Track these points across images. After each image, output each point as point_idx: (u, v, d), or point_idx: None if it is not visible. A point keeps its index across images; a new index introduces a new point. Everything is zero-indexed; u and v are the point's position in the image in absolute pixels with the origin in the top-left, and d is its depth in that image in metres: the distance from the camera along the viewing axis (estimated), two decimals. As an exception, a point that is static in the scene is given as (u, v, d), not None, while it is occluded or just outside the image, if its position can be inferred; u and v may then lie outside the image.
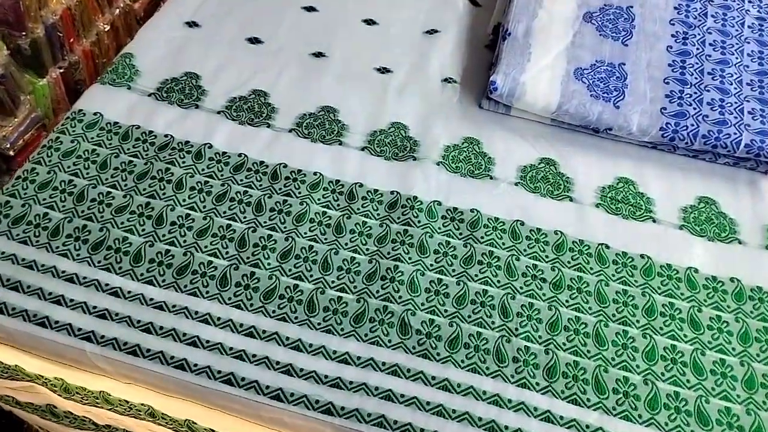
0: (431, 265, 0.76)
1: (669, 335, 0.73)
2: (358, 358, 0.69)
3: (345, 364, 0.68)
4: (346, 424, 0.65)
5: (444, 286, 0.74)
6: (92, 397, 0.74)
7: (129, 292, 0.72)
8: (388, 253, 0.77)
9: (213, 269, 0.74)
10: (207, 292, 0.72)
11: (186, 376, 0.67)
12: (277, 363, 0.68)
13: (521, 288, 0.75)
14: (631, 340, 0.72)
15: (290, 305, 0.72)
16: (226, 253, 0.75)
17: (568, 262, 0.77)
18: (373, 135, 0.88)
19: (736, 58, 0.91)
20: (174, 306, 0.71)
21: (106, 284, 0.72)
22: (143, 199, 0.79)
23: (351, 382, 0.67)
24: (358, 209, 0.80)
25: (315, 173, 0.83)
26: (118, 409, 0.74)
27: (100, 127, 0.86)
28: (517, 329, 0.72)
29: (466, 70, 0.97)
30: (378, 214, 0.80)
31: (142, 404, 0.73)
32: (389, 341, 0.70)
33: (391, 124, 0.90)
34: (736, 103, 0.87)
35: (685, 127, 0.85)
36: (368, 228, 0.79)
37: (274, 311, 0.71)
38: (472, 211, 0.81)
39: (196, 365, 0.67)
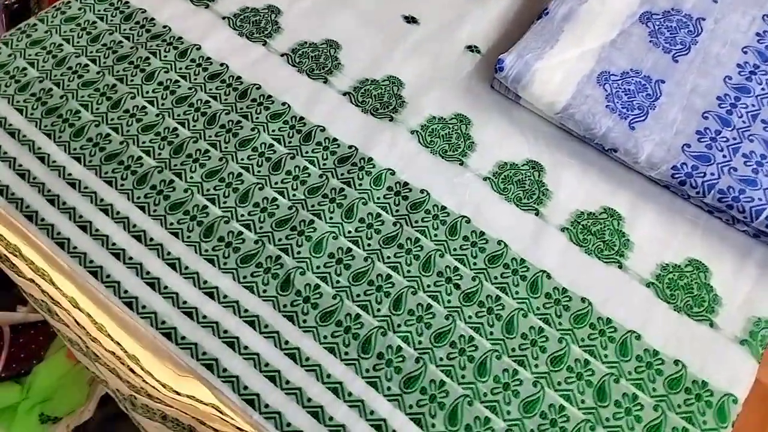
0: (349, 232, 0.71)
1: (564, 394, 0.63)
2: (225, 296, 0.66)
3: (209, 298, 0.66)
4: (179, 354, 0.63)
5: (350, 258, 0.69)
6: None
7: (54, 162, 0.73)
8: (312, 206, 0.72)
9: (139, 165, 0.74)
10: (122, 185, 0.72)
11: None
12: (147, 273, 0.67)
13: (429, 286, 0.68)
14: (518, 383, 0.63)
15: (190, 223, 0.70)
16: (159, 154, 0.75)
17: (495, 278, 0.69)
18: (362, 83, 0.82)
19: (813, 115, 0.73)
20: (86, 187, 0.72)
21: (39, 147, 0.74)
22: (112, 80, 0.80)
23: (205, 317, 0.65)
24: (307, 153, 0.76)
25: (283, 104, 0.80)
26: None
27: (110, 2, 0.87)
28: (400, 325, 0.65)
29: (497, 44, 0.87)
30: (323, 164, 0.75)
31: None
32: (264, 291, 0.67)
33: (388, 77, 0.83)
34: (780, 165, 0.71)
35: (702, 174, 0.70)
36: (306, 175, 0.74)
37: (171, 224, 0.70)
38: (422, 191, 0.74)
39: (76, 247, 0.68)
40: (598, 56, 0.77)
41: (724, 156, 0.71)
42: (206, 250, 0.69)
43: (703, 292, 0.69)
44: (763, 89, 0.75)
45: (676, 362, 0.65)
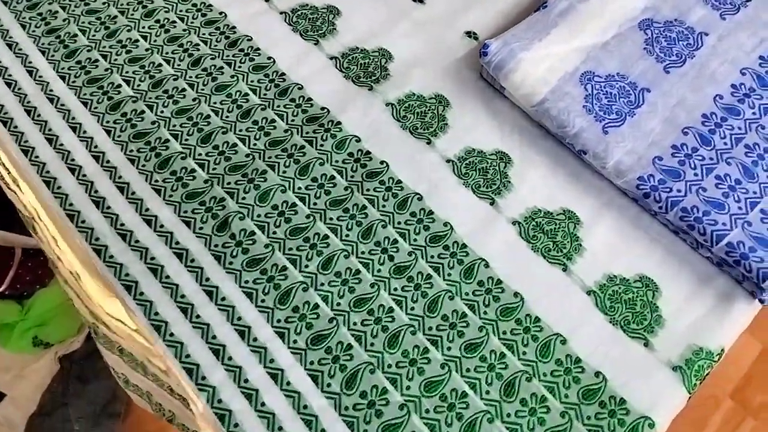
0: (299, 188, 0.71)
1: (470, 382, 0.61)
2: (161, 226, 0.68)
3: (146, 224, 0.68)
4: (105, 271, 0.65)
5: (293, 212, 0.69)
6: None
7: (41, 77, 0.77)
8: (269, 158, 0.73)
9: (117, 92, 0.76)
10: (95, 108, 0.75)
11: None
12: (96, 192, 0.69)
13: (363, 253, 0.67)
14: (426, 361, 0.62)
15: (149, 153, 0.72)
16: (138, 85, 0.77)
17: (431, 257, 0.68)
18: (352, 50, 0.82)
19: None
20: (63, 105, 0.75)
21: (30, 62, 0.78)
22: (114, 12, 0.83)
23: (137, 241, 0.67)
24: (278, 107, 0.77)
25: (269, 58, 0.81)
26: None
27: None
28: (323, 285, 0.65)
29: (497, 33, 0.85)
30: (291, 120, 0.76)
31: None
32: (200, 228, 0.68)
33: (379, 48, 0.83)
34: (754, 193, 0.67)
35: (668, 189, 0.67)
36: (272, 127, 0.75)
37: (131, 150, 0.72)
38: (381, 162, 0.73)
39: (38, 156, 0.72)
40: (587, 55, 0.74)
41: (696, 174, 0.68)
42: (156, 180, 0.70)
43: (646, 310, 0.66)
44: (754, 113, 0.71)
45: (597, 374, 0.62)
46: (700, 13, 0.76)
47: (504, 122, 0.77)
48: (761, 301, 0.65)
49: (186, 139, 0.73)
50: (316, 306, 0.64)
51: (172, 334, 0.62)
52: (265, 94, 0.78)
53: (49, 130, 0.73)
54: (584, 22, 0.76)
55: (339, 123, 0.76)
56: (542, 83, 0.73)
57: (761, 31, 0.75)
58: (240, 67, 0.79)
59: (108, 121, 0.74)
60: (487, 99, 0.79)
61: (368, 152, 0.74)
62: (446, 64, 0.82)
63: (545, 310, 0.65)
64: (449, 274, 0.67)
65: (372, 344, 0.62)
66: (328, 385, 0.60)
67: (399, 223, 0.69)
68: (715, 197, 0.66)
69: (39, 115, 0.74)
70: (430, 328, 0.64)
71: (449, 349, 0.63)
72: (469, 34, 0.85)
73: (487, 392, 0.61)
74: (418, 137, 0.76)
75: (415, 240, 0.69)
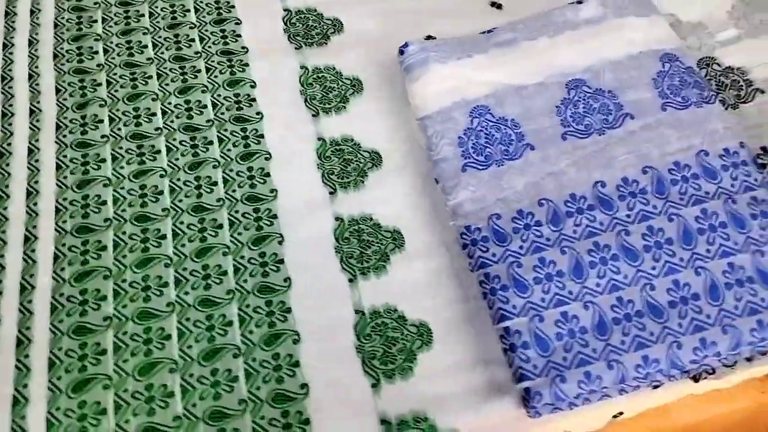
0: (169, 103, 0.73)
1: (181, 330, 0.60)
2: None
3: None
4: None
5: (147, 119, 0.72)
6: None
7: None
8: (168, 69, 0.76)
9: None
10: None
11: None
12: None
13: (178, 180, 0.68)
14: (158, 294, 0.62)
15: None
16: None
17: (236, 211, 0.67)
18: (309, 10, 0.83)
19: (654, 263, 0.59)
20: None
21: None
22: None
23: None
24: (206, 31, 0.79)
25: (231, -9, 0.83)
26: None
27: None
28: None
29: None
30: (206, 46, 0.78)
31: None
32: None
33: (335, 18, 0.82)
34: (569, 293, 0.58)
35: (484, 249, 0.61)
36: (188, 45, 0.78)
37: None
38: (257, 113, 0.74)
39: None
40: (494, 91, 0.69)
41: (521, 247, 0.61)
42: None
43: (401, 356, 0.61)
44: (627, 216, 0.61)
45: (303, 386, 0.59)
46: (642, 95, 0.67)
47: (400, 126, 0.74)
48: (527, 408, 0.57)
49: (68, 49, 0.78)
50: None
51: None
52: (203, 18, 0.80)
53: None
54: (515, 59, 0.70)
55: (247, 65, 0.77)
56: (436, 100, 0.69)
57: (696, 138, 0.64)
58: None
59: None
60: (399, 98, 0.76)
61: (253, 99, 0.75)
62: (385, 56, 0.79)
63: (303, 307, 0.62)
64: (240, 233, 0.66)
65: (123, 265, 0.64)
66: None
67: (231, 170, 0.70)
68: (524, 278, 0.59)
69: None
70: (185, 269, 0.63)
71: (187, 294, 0.62)
72: (429, 37, 0.82)
73: (189, 347, 0.59)
74: (309, 107, 0.75)
75: (233, 191, 0.68)
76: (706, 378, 0.62)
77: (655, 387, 0.62)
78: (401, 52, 0.73)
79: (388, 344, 0.61)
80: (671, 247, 0.59)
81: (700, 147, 0.64)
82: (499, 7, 0.85)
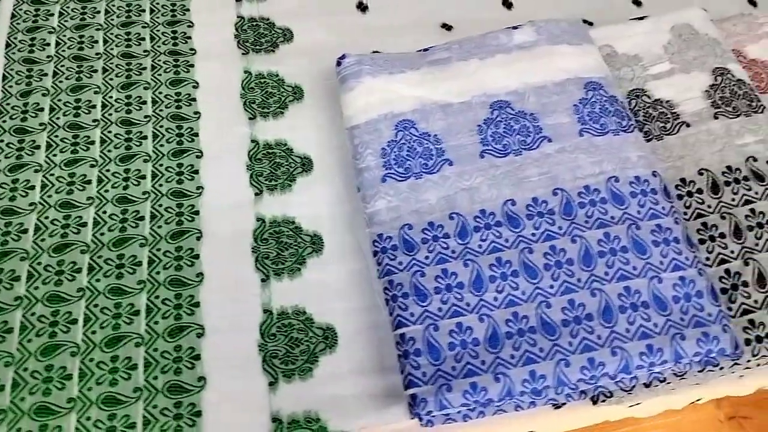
0: (115, 99, 0.75)
1: (88, 316, 0.61)
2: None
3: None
4: None
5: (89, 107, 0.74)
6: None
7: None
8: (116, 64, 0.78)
9: None
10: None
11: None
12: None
13: (108, 171, 0.70)
14: (71, 278, 0.63)
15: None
16: None
17: (159, 205, 0.68)
18: (262, 19, 0.85)
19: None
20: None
21: None
22: None
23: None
24: (157, 30, 0.82)
25: (192, -9, 0.86)
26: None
27: None
28: (54, 176, 0.69)
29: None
30: (155, 45, 0.80)
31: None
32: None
33: (286, 28, 0.84)
34: (467, 305, 0.59)
35: (392, 257, 0.63)
36: (138, 43, 0.80)
37: None
38: (195, 113, 0.75)
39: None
40: (421, 107, 0.70)
41: (427, 258, 0.62)
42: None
43: (303, 357, 0.62)
44: (533, 235, 0.63)
45: (201, 378, 0.60)
46: (561, 120, 0.69)
47: (334, 134, 0.76)
48: (412, 414, 0.57)
49: None
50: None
51: None
52: (157, 19, 0.83)
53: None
54: (445, 78, 0.72)
55: (192, 66, 0.79)
56: (365, 111, 0.71)
57: (608, 164, 0.66)
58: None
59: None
60: (337, 108, 0.77)
61: (194, 99, 0.77)
62: (330, 67, 0.81)
63: (212, 303, 0.64)
64: (160, 226, 0.67)
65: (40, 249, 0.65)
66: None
67: (161, 165, 0.71)
68: (425, 287, 0.60)
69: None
70: (100, 257, 0.65)
71: (99, 280, 0.63)
72: (375, 52, 0.84)
73: (94, 332, 0.61)
74: (246, 109, 0.77)
75: (160, 185, 0.70)
76: (604, 401, 0.63)
77: (557, 407, 0.63)
78: (338, 63, 0.75)
79: (291, 345, 0.62)
80: (571, 268, 0.61)
81: (612, 173, 0.65)
82: (449, 28, 0.88)
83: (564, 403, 0.62)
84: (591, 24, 0.85)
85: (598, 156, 0.66)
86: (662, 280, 0.60)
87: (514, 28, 0.76)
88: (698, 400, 0.73)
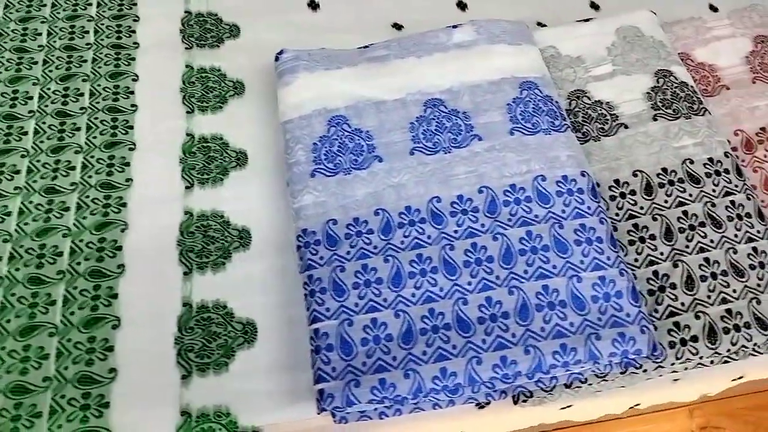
0: (54, 92, 0.75)
1: (2, 305, 0.61)
2: None
3: None
4: None
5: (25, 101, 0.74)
6: None
7: None
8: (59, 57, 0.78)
9: None
10: None
11: None
12: None
13: (38, 161, 0.70)
14: (-12, 267, 0.63)
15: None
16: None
17: (86, 196, 0.68)
18: (210, 14, 0.85)
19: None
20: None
21: None
22: None
23: None
24: (102, 23, 0.82)
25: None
26: None
27: None
28: None
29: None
30: (99, 38, 0.80)
31: None
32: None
33: (233, 24, 0.84)
34: (384, 300, 0.59)
35: (314, 252, 0.62)
36: (82, 36, 0.80)
37: None
38: (132, 105, 0.75)
39: None
40: (355, 103, 0.70)
41: (348, 253, 0.61)
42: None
43: (219, 351, 0.61)
44: (455, 231, 0.62)
45: (112, 370, 0.59)
46: (493, 119, 0.68)
47: (272, 129, 0.75)
48: (319, 409, 0.57)
49: None
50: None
51: None
52: (103, 13, 0.83)
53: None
54: (381, 75, 0.72)
55: (134, 59, 0.79)
56: (299, 106, 0.71)
57: (536, 163, 0.65)
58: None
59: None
60: (277, 103, 0.77)
61: (132, 92, 0.76)
62: (273, 63, 0.81)
63: (131, 295, 0.63)
64: (84, 218, 0.67)
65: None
66: None
67: (92, 156, 0.71)
68: (344, 282, 0.59)
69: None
70: (22, 246, 0.64)
71: (18, 269, 0.63)
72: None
73: (8, 321, 0.60)
74: (185, 103, 0.76)
75: (89, 177, 0.69)
76: (525, 401, 0.62)
77: (481, 407, 0.62)
78: (277, 59, 0.74)
79: (208, 339, 0.61)
80: (491, 265, 0.60)
81: (539, 172, 0.65)
82: (399, 28, 0.87)
83: (488, 403, 0.62)
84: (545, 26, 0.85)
85: (527, 155, 0.66)
86: (582, 279, 0.59)
87: (455, 27, 0.76)
88: (637, 405, 0.72)
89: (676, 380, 0.66)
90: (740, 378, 0.70)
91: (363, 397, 0.54)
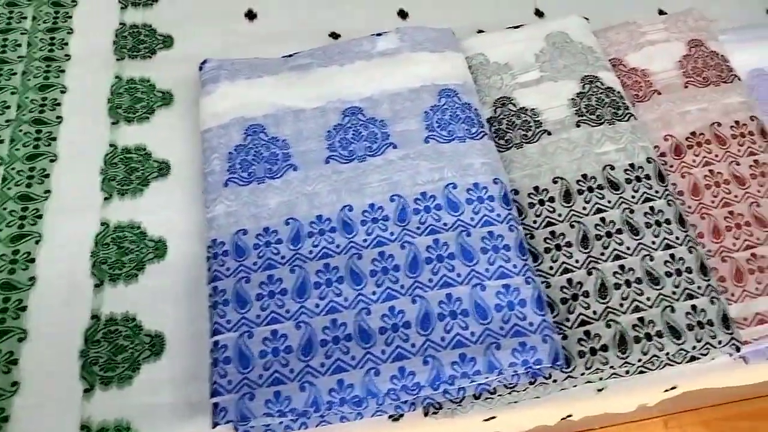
0: None
1: None
2: None
3: None
4: None
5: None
6: None
7: None
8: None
9: None
10: None
11: None
12: None
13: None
14: None
15: None
16: None
17: None
18: (145, 26, 0.85)
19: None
20: None
21: None
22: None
23: None
24: (39, 31, 0.82)
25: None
26: None
27: None
28: None
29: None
30: (34, 45, 0.81)
31: None
32: None
33: (168, 35, 0.84)
34: (287, 311, 0.58)
35: (221, 263, 0.62)
36: (14, 50, 0.81)
37: None
38: (58, 117, 0.75)
39: None
40: (274, 111, 0.70)
41: (255, 264, 0.61)
42: None
43: (127, 362, 0.60)
44: (365, 240, 0.61)
45: (15, 384, 0.58)
46: (409, 127, 0.68)
47: (198, 139, 0.74)
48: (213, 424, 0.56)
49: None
50: None
51: None
52: (38, 26, 0.83)
53: None
54: (302, 84, 0.72)
55: (63, 71, 0.79)
56: (218, 116, 0.70)
57: (449, 171, 0.65)
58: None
59: None
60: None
61: (59, 104, 0.76)
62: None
63: (40, 307, 0.63)
64: (0, 230, 0.66)
65: None
66: None
67: (13, 168, 0.71)
68: (248, 294, 0.59)
69: None
70: (-66, 258, 0.64)
71: None
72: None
73: None
74: (111, 115, 0.76)
75: (8, 189, 0.69)
76: (435, 413, 0.61)
77: (395, 419, 0.61)
78: (200, 68, 0.74)
79: (114, 351, 0.61)
80: (396, 274, 0.59)
81: (451, 180, 0.64)
82: (336, 37, 0.87)
83: (401, 415, 0.61)
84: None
85: (441, 162, 0.65)
86: (486, 287, 0.58)
87: (379, 35, 0.75)
88: (569, 416, 0.71)
89: (600, 390, 0.65)
90: (673, 389, 0.69)
91: (257, 410, 0.54)
